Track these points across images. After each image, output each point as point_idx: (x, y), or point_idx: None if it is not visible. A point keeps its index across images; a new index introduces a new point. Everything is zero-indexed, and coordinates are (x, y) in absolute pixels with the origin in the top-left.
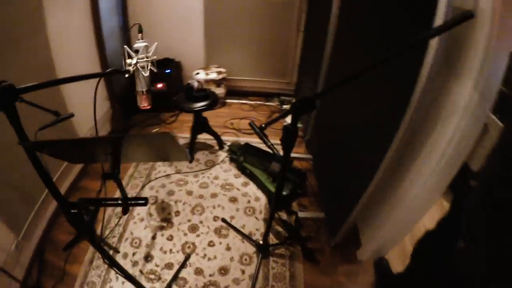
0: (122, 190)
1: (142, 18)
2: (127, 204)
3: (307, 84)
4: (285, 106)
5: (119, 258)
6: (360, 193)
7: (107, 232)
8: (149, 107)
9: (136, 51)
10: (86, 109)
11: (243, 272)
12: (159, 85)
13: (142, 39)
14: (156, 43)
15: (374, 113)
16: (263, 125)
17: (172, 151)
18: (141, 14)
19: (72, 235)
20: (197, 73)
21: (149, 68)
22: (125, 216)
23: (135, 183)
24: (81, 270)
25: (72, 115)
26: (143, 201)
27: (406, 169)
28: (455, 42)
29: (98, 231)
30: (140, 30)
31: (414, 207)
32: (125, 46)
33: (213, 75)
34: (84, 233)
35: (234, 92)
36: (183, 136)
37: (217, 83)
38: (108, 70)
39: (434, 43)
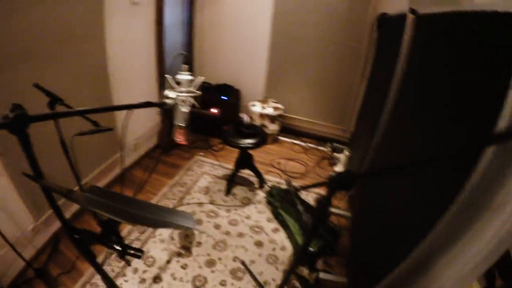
0: (121, 239)
1: (207, 38)
2: (124, 252)
3: (361, 139)
4: (336, 154)
5: (128, 271)
6: (389, 269)
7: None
8: (184, 143)
9: (178, 83)
10: (134, 120)
11: None
12: (214, 110)
13: (187, 71)
14: (202, 78)
15: (421, 190)
16: (299, 187)
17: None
18: (207, 34)
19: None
20: (254, 105)
21: (191, 104)
22: (146, 233)
23: (165, 204)
24: (89, 270)
25: (111, 129)
26: (139, 253)
27: (444, 251)
28: None
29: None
30: (186, 62)
31: None
32: (167, 76)
33: (269, 110)
34: (84, 255)
35: (288, 130)
36: (227, 167)
37: (272, 118)
38: (141, 102)
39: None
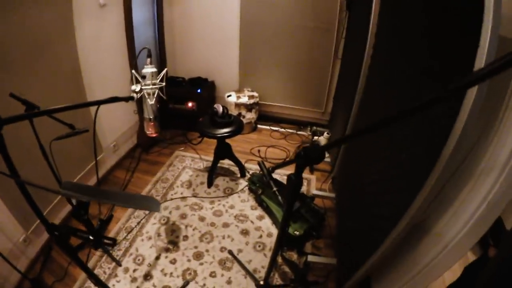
0: (92, 228)
1: (177, 33)
2: (99, 242)
3: (339, 119)
4: (316, 138)
5: (119, 272)
6: (376, 245)
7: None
8: (155, 135)
9: (143, 77)
10: (112, 122)
11: None
12: (189, 104)
13: (150, 64)
14: (165, 70)
15: (401, 161)
16: (271, 168)
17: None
18: (177, 29)
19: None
20: (229, 95)
21: (156, 95)
22: (134, 232)
23: None
24: (82, 275)
25: (86, 131)
26: (111, 242)
27: (431, 225)
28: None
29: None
30: (149, 55)
31: (435, 266)
32: (133, 71)
33: (244, 99)
34: (67, 252)
35: (266, 118)
36: (208, 159)
37: (248, 107)
38: (108, 97)
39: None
